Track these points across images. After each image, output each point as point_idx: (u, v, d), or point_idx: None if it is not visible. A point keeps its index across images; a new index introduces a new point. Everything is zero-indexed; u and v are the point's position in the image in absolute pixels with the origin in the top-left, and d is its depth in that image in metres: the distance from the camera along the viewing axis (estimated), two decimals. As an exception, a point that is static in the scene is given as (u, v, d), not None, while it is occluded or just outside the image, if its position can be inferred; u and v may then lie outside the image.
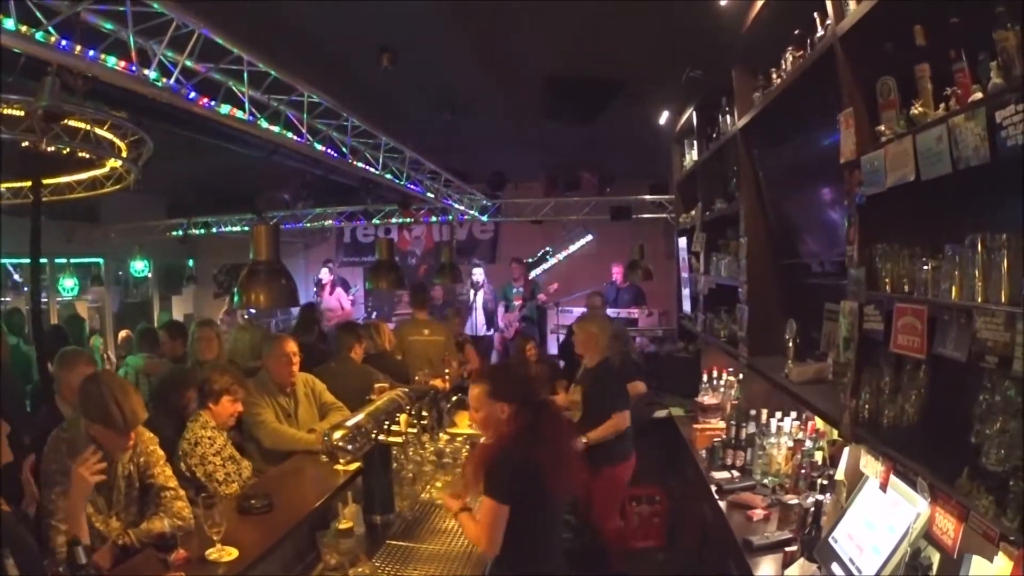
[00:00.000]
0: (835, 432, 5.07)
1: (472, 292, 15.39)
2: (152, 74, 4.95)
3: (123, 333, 13.35)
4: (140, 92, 5.04)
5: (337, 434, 5.04)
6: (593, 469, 6.35)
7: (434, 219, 16.94)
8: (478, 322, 15.11)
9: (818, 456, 5.57)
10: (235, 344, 10.07)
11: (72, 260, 15.69)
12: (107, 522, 4.53)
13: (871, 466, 4.08)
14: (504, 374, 4.97)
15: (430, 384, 8.75)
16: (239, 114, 6.10)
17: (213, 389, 5.93)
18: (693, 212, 9.84)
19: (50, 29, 4.31)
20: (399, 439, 5.55)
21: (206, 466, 5.66)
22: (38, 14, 4.26)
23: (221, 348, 8.60)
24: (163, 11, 4.72)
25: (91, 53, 4.58)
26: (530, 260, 17.60)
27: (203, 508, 4.42)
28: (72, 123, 8.20)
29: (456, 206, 14.36)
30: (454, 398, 8.39)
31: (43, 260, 14.32)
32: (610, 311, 13.57)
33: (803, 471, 5.56)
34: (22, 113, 7.12)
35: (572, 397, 7.73)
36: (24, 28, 4.12)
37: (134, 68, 4.78)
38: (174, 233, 17.12)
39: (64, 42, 4.42)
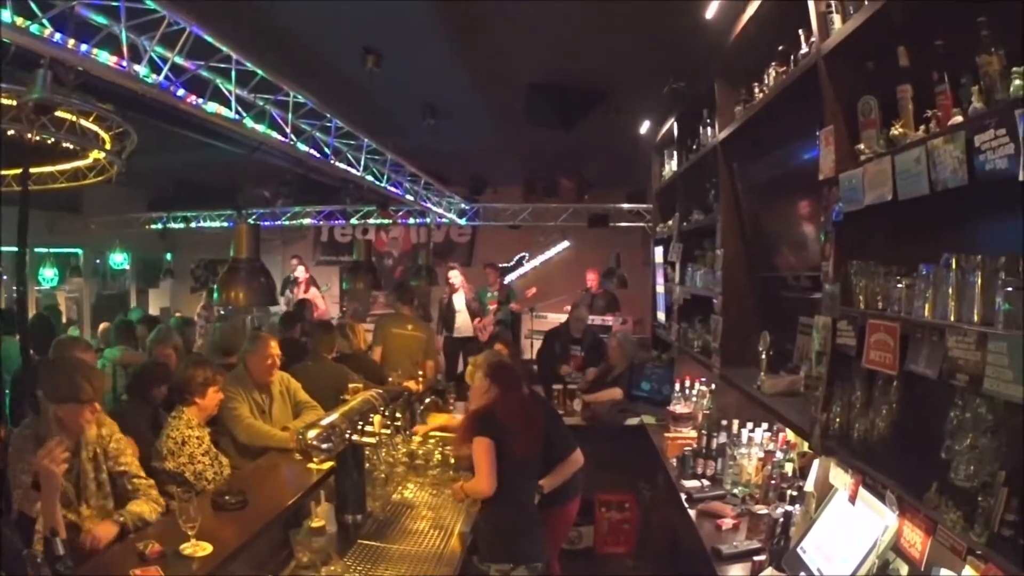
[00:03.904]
0: (805, 444, 5.13)
1: (449, 294, 15.32)
2: (142, 70, 4.96)
3: (103, 325, 13.31)
4: (130, 88, 5.04)
5: (311, 433, 5.05)
6: (541, 509, 6.11)
7: (412, 221, 16.93)
8: (461, 324, 15.02)
9: (788, 467, 5.63)
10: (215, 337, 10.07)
11: (52, 250, 15.66)
12: (78, 511, 4.57)
13: (840, 478, 4.13)
14: (496, 361, 6.05)
15: (404, 385, 8.77)
16: (225, 112, 6.11)
17: (197, 383, 5.93)
18: (670, 222, 9.89)
19: (45, 22, 4.32)
20: (372, 440, 5.57)
21: (195, 465, 5.68)
22: (33, 6, 4.26)
23: (180, 359, 8.48)
24: (156, 8, 4.73)
25: (83, 47, 4.58)
26: (506, 265, 17.61)
27: (179, 502, 4.46)
28: (58, 113, 8.18)
29: (434, 209, 14.36)
30: (427, 400, 8.41)
31: (23, 249, 14.27)
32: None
33: (773, 482, 5.61)
34: (13, 103, 7.11)
35: None
36: (19, 20, 4.13)
37: (125, 64, 4.78)
38: (153, 226, 17.11)
39: (58, 36, 4.42)
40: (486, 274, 15.48)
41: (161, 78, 5.12)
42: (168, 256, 19.29)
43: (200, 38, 5.20)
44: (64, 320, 15.55)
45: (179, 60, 5.27)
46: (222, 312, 14.09)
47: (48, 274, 15.46)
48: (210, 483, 5.70)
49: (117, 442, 4.90)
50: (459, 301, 14.82)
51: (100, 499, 4.75)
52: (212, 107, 5.96)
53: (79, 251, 17.31)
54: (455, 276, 14.85)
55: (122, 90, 5.30)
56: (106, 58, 4.70)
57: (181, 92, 5.47)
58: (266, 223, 16.37)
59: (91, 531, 4.53)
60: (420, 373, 9.35)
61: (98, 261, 17.77)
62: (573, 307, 11.76)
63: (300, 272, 16.82)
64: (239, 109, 6.28)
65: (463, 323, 14.78)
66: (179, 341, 8.93)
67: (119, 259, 17.18)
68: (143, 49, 4.96)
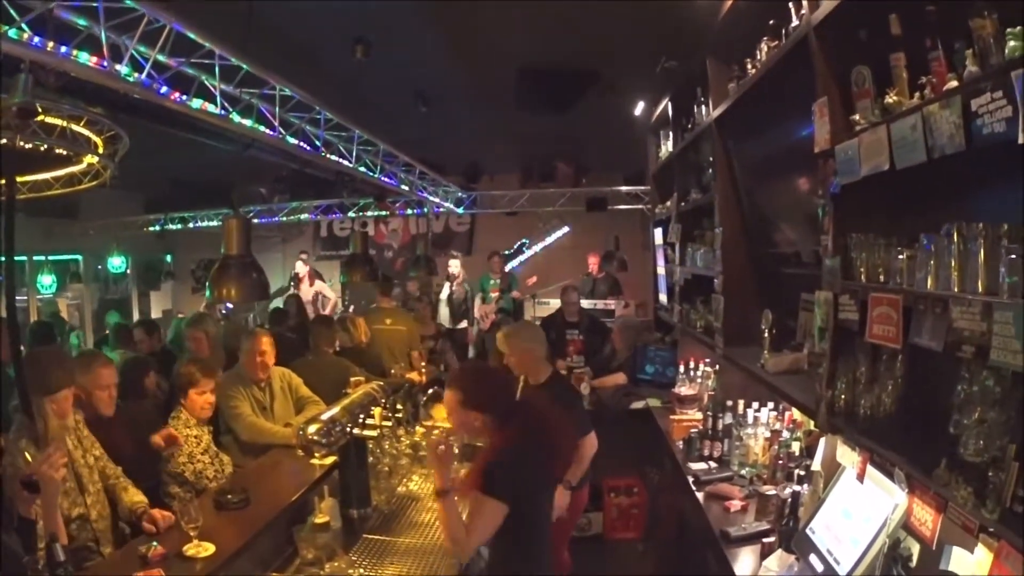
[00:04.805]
0: (812, 422, 5.08)
1: (447, 284, 15.32)
2: (124, 69, 4.93)
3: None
4: (112, 87, 5.02)
5: (311, 428, 5.01)
6: None
7: (410, 212, 16.89)
8: (443, 315, 15.01)
9: (795, 446, 5.58)
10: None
11: (50, 257, 15.68)
12: (85, 502, 4.64)
13: (848, 456, 4.08)
14: (478, 380, 4.51)
15: (406, 377, 8.74)
16: (211, 108, 6.07)
17: (182, 384, 5.97)
18: (668, 203, 9.84)
19: (23, 26, 4.28)
20: (374, 433, 5.53)
21: (195, 464, 5.72)
22: (11, 11, 4.22)
23: (213, 345, 8.47)
24: (135, 6, 4.69)
25: (63, 49, 4.55)
26: (507, 252, 17.58)
27: (179, 503, 4.49)
28: (49, 120, 8.16)
29: (431, 198, 14.33)
30: (430, 391, 8.37)
31: (22, 258, 14.29)
32: (586, 303, 13.55)
33: (780, 462, 5.56)
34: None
35: None
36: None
37: (105, 64, 4.75)
38: (151, 228, 17.10)
39: (37, 39, 4.39)
40: (491, 263, 15.49)
41: (143, 76, 5.08)
42: (168, 258, 19.29)
43: (182, 35, 5.16)
44: (68, 327, 15.56)
45: (161, 58, 5.23)
46: (224, 311, 14.10)
47: (46, 281, 15.46)
48: (211, 481, 5.76)
49: (83, 430, 4.97)
50: (444, 292, 14.86)
51: (94, 483, 4.82)
52: (197, 103, 5.92)
53: (79, 257, 17.28)
54: (454, 265, 14.83)
55: (110, 93, 5.28)
56: (86, 59, 4.67)
57: (164, 89, 5.43)
58: (263, 220, 16.34)
59: (156, 513, 4.73)
60: (423, 365, 9.32)
61: (99, 267, 17.76)
62: (562, 292, 11.75)
63: (300, 268, 16.81)
64: (225, 105, 6.23)
65: (443, 315, 14.84)
66: (213, 328, 8.86)
67: (117, 263, 17.17)
68: (124, 48, 4.93)
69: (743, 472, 6.09)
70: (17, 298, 10.29)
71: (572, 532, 7.12)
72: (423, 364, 9.65)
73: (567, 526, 6.64)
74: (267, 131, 6.98)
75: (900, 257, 3.24)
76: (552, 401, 6.04)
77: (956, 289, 2.76)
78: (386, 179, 10.79)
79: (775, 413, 6.16)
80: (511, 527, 4.09)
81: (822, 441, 4.72)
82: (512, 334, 6.64)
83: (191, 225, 16.95)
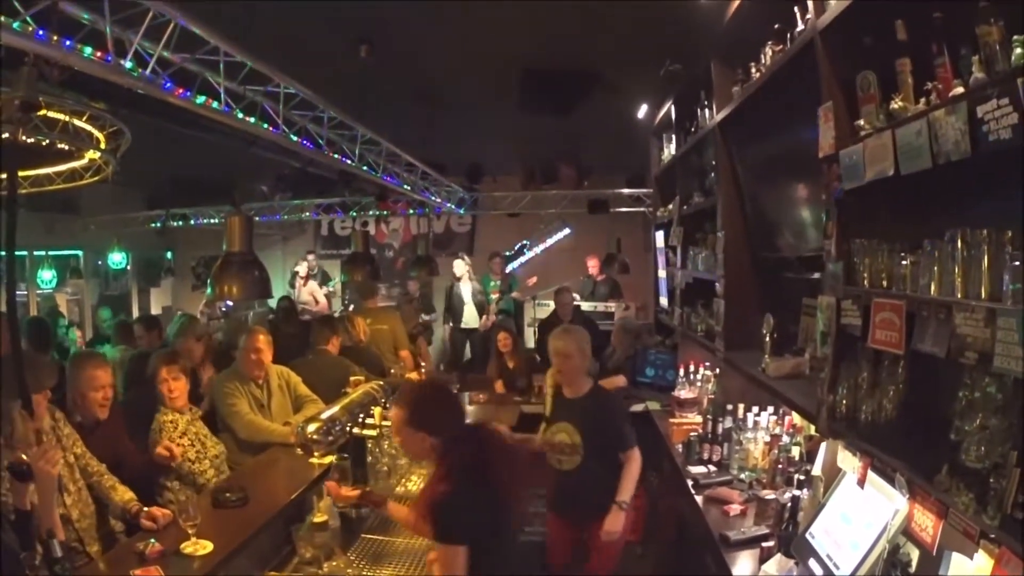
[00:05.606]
0: (812, 427, 5.07)
1: (458, 284, 15.25)
2: (128, 64, 4.92)
3: None
4: (115, 82, 5.01)
5: (311, 427, 5.00)
6: (598, 514, 5.80)
7: (411, 212, 16.88)
8: (468, 316, 14.98)
9: (795, 451, 5.57)
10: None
11: (51, 252, 15.66)
12: (64, 501, 4.62)
13: (848, 461, 4.07)
14: (428, 398, 4.20)
15: (406, 377, 8.73)
16: (215, 105, 6.06)
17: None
18: (671, 206, 9.84)
19: (27, 19, 4.28)
20: (373, 432, 5.52)
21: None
22: (16, 3, 4.22)
23: (204, 349, 8.35)
24: (140, 0, 4.69)
25: (67, 43, 4.55)
26: (508, 253, 17.56)
27: (175, 495, 4.50)
28: (51, 114, 8.15)
29: (433, 199, 14.31)
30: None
31: (23, 252, 14.28)
32: (586, 305, 13.55)
33: (780, 466, 5.55)
34: (-3, 102, 7.10)
35: (553, 439, 6.09)
36: (1, 18, 4.09)
37: (110, 58, 4.75)
38: (152, 225, 17.07)
39: (41, 32, 4.39)
40: (492, 264, 15.48)
41: (147, 71, 5.08)
42: (168, 254, 19.26)
43: (187, 30, 5.15)
44: (67, 322, 15.53)
45: (165, 54, 5.23)
46: (223, 309, 14.09)
47: (46, 276, 15.44)
48: (193, 463, 5.81)
49: (68, 426, 4.97)
50: (466, 292, 14.76)
51: (75, 482, 4.81)
52: (201, 100, 5.92)
53: (79, 252, 17.24)
54: (459, 266, 14.79)
55: (114, 88, 5.28)
56: (90, 53, 4.67)
57: (168, 85, 5.43)
58: (264, 218, 16.32)
59: (156, 511, 4.72)
60: (423, 365, 9.32)
61: (100, 263, 17.73)
62: (556, 293, 11.79)
63: (302, 267, 16.80)
64: (229, 101, 6.22)
65: (470, 315, 14.74)
66: (202, 332, 8.77)
67: (117, 259, 17.14)
68: (128, 43, 4.92)
69: (742, 476, 6.08)
70: (17, 293, 10.27)
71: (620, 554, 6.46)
72: (423, 364, 9.66)
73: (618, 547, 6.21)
74: (270, 129, 6.97)
75: (903, 263, 3.24)
76: (590, 414, 6.04)
77: (959, 295, 2.77)
78: (388, 179, 10.78)
79: (775, 417, 6.14)
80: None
81: (823, 446, 4.71)
82: (571, 332, 6.26)
83: (192, 222, 16.88)
